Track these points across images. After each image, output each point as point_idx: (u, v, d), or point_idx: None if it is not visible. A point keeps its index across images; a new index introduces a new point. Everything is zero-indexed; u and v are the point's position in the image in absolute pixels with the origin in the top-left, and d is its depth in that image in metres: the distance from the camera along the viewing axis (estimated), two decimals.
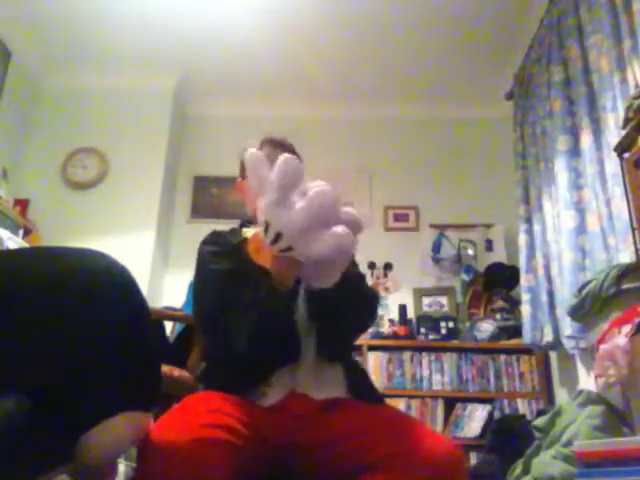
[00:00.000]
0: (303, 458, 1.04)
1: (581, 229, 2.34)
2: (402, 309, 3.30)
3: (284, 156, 0.98)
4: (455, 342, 3.16)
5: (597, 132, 2.25)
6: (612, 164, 2.03)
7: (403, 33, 3.29)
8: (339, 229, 0.94)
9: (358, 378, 1.23)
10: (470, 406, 2.95)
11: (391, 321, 3.30)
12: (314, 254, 0.95)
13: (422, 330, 3.23)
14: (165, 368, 1.61)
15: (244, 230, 1.34)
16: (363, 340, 3.16)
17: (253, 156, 1.01)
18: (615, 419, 1.62)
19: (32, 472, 0.71)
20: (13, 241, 1.97)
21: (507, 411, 2.88)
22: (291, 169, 0.96)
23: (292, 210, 0.94)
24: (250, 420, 1.01)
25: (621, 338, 1.47)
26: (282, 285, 1.05)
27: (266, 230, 0.97)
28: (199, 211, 3.79)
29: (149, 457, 0.87)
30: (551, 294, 2.63)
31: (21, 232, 3.00)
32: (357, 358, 3.07)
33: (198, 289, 1.25)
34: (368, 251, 3.56)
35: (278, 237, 0.95)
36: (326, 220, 0.94)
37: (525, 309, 2.84)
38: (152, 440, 0.89)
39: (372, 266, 3.54)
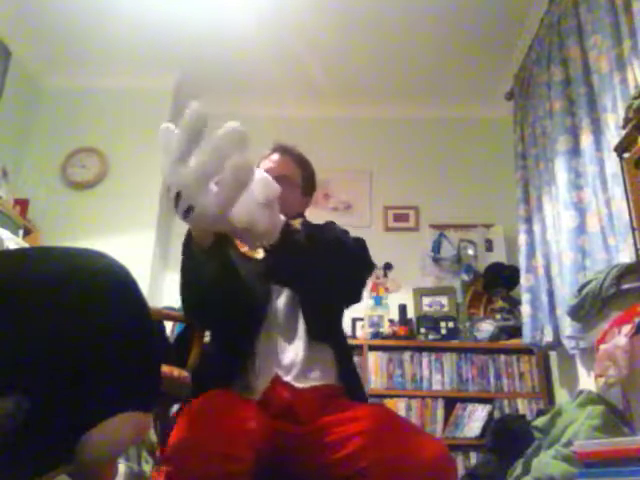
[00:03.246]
0: (297, 461, 1.05)
1: (581, 229, 2.33)
2: (402, 309, 3.30)
3: (191, 114, 0.95)
4: (455, 342, 3.16)
5: (597, 132, 2.25)
6: (612, 164, 2.03)
7: (403, 33, 3.29)
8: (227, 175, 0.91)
9: (348, 368, 1.25)
10: (470, 406, 2.95)
11: (391, 321, 3.30)
12: (213, 208, 0.93)
13: (422, 330, 3.23)
14: (165, 368, 1.61)
15: None
16: (363, 340, 3.17)
17: (164, 129, 0.99)
18: (615, 419, 1.61)
19: (32, 472, 0.71)
20: (13, 241, 1.97)
21: (507, 411, 2.88)
22: (196, 128, 0.95)
23: (189, 165, 0.92)
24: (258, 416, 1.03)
25: (621, 338, 1.47)
26: (202, 241, 1.09)
27: (171, 194, 0.96)
28: None
29: (176, 456, 0.90)
30: (551, 294, 2.63)
31: (21, 232, 2.99)
32: (356, 358, 3.07)
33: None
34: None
35: (179, 196, 0.95)
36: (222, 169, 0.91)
37: (525, 309, 2.84)
38: (177, 439, 0.91)
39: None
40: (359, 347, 3.10)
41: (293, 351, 1.19)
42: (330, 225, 1.34)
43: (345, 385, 1.21)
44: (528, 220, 2.97)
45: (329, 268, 1.14)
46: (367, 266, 1.29)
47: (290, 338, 1.21)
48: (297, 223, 1.23)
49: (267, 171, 1.40)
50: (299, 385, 1.14)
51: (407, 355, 3.09)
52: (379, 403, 2.75)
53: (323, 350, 1.21)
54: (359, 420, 1.05)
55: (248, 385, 1.16)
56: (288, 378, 1.15)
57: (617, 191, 1.97)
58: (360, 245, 1.29)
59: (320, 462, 1.02)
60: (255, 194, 0.97)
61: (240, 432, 0.93)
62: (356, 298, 1.27)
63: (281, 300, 1.26)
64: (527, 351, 2.98)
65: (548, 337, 2.60)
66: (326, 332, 1.23)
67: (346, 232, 1.31)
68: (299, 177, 1.45)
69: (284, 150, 1.47)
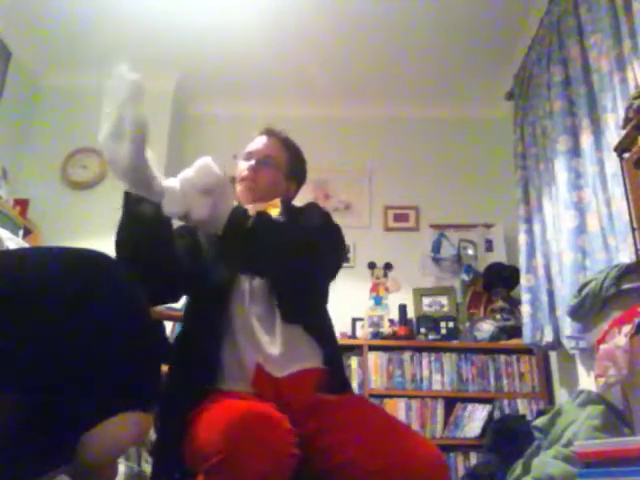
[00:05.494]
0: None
1: (581, 229, 2.33)
2: (402, 309, 3.30)
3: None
4: (455, 342, 3.16)
5: (597, 132, 2.25)
6: (612, 164, 2.03)
7: (403, 33, 3.29)
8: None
9: (333, 351, 1.24)
10: (470, 406, 2.94)
11: (391, 321, 3.30)
12: (124, 159, 1.04)
13: (422, 330, 3.23)
14: (165, 368, 1.61)
15: None
16: (363, 340, 3.17)
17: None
18: (615, 419, 1.61)
19: (32, 472, 0.71)
20: (13, 241, 1.97)
21: (507, 411, 2.88)
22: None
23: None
24: None
25: (621, 338, 1.47)
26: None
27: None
28: None
29: (231, 458, 0.88)
30: (551, 294, 2.63)
31: (21, 232, 2.99)
32: (356, 358, 3.07)
33: None
34: (368, 251, 3.57)
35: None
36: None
37: (525, 309, 2.84)
38: (220, 445, 0.89)
39: (372, 266, 3.54)
40: (359, 347, 3.10)
41: (274, 336, 1.17)
42: (311, 206, 1.35)
43: (330, 368, 1.20)
44: (528, 220, 2.97)
45: (282, 253, 1.12)
46: (329, 249, 1.25)
47: (270, 323, 1.18)
48: (275, 204, 1.25)
49: (251, 152, 1.41)
50: (280, 374, 1.14)
51: (407, 355, 3.09)
52: (363, 396, 2.75)
53: (304, 333, 1.20)
54: (355, 423, 1.05)
55: (231, 375, 1.15)
56: (270, 366, 1.14)
57: (617, 191, 1.97)
58: (323, 228, 1.27)
59: (317, 466, 1.03)
60: (194, 181, 1.00)
61: (285, 431, 0.93)
62: (320, 281, 1.25)
63: (256, 282, 1.23)
64: (527, 351, 2.98)
65: (548, 337, 2.60)
66: (302, 315, 1.20)
67: (325, 214, 1.32)
68: (284, 160, 1.44)
69: (271, 133, 1.49)
